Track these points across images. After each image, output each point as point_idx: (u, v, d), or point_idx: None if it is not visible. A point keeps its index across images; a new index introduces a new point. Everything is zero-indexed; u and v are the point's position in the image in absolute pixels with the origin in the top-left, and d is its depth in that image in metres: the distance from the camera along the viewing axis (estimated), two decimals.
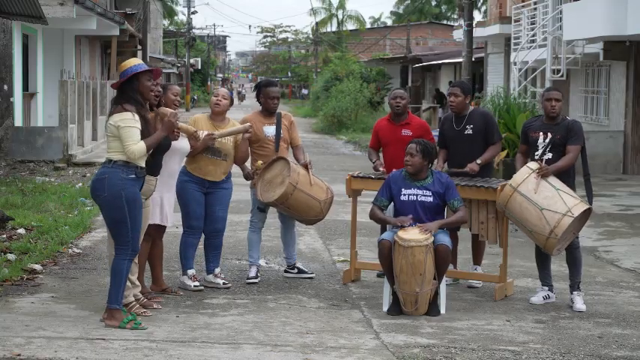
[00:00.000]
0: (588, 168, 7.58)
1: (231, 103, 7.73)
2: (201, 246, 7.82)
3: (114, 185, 6.17)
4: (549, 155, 7.40)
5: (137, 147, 6.17)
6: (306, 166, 7.91)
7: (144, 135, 6.26)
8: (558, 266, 9.16)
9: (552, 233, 7.09)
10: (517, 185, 7.22)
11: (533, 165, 7.35)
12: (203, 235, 7.73)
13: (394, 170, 7.55)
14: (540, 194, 7.15)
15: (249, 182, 8.15)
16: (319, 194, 7.88)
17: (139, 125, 6.21)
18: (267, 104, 8.00)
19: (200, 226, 7.61)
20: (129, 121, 6.18)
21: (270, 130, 7.99)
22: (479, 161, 7.93)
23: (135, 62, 6.37)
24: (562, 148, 7.40)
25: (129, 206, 6.20)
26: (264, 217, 8.15)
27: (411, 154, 7.22)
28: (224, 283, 7.71)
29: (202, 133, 7.44)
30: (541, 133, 7.50)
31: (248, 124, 7.77)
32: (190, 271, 7.61)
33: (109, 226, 6.33)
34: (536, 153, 7.49)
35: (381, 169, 8.20)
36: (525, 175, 7.26)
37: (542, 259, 7.62)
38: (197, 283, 7.60)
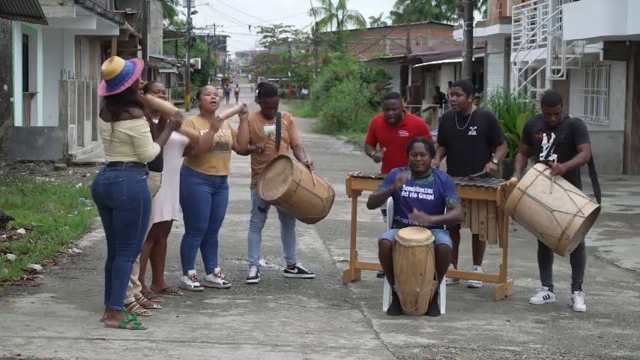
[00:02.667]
0: (594, 167, 7.53)
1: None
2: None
3: (133, 188, 6.17)
4: (554, 156, 7.34)
5: (155, 150, 6.24)
6: (307, 166, 7.92)
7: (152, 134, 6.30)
8: (558, 266, 9.15)
9: (564, 234, 7.06)
10: (525, 188, 7.17)
11: (539, 167, 7.28)
12: None
13: (396, 168, 7.54)
14: (549, 195, 7.11)
15: (248, 182, 8.15)
16: (322, 192, 7.91)
17: (148, 128, 6.26)
18: (266, 111, 8.03)
19: (205, 227, 7.62)
20: (143, 127, 6.18)
21: (270, 129, 8.01)
22: (496, 160, 7.94)
23: (121, 65, 6.18)
24: (567, 148, 7.32)
25: (144, 208, 6.23)
26: (264, 217, 8.15)
27: (422, 153, 7.22)
28: (224, 283, 7.72)
29: (203, 132, 7.48)
30: (544, 134, 7.42)
31: (243, 103, 7.91)
32: (191, 272, 7.62)
33: (120, 227, 6.26)
34: (540, 155, 7.42)
35: (379, 154, 8.15)
36: (533, 177, 7.20)
37: (544, 259, 7.60)
38: (197, 284, 7.60)
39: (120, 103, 6.19)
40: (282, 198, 7.69)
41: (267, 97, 8.01)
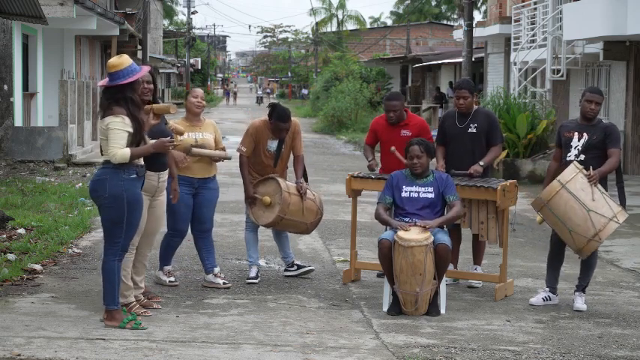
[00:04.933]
0: (622, 175, 7.44)
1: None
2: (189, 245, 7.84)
3: (115, 186, 6.14)
4: (582, 157, 7.25)
5: (121, 152, 6.09)
6: (299, 191, 7.89)
7: (137, 136, 6.19)
8: None
9: (596, 236, 7.01)
10: (565, 182, 7.08)
11: (579, 164, 7.20)
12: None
13: (395, 171, 7.54)
14: (588, 195, 7.04)
15: None
16: (308, 218, 7.94)
17: (129, 129, 6.13)
18: (276, 133, 7.89)
19: (186, 229, 7.66)
20: (118, 124, 6.10)
21: (273, 144, 7.96)
22: (482, 163, 7.89)
23: (128, 62, 6.25)
24: (597, 150, 7.25)
25: (129, 208, 6.18)
26: None
27: (418, 155, 7.22)
28: (224, 283, 7.72)
29: (186, 135, 7.50)
30: (576, 133, 7.32)
31: (229, 154, 7.78)
32: (167, 268, 7.72)
33: (104, 225, 6.29)
34: (568, 154, 7.33)
35: (376, 169, 8.17)
36: (573, 173, 7.11)
37: (556, 262, 7.49)
38: (172, 279, 7.68)
39: (114, 97, 6.18)
40: (267, 225, 7.86)
41: (279, 122, 7.82)
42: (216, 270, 7.80)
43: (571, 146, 7.34)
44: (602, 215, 7.01)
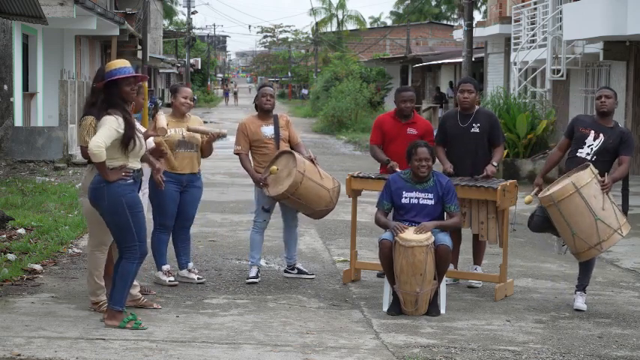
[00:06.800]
0: (628, 182, 7.44)
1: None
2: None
3: (113, 192, 6.14)
4: (593, 158, 7.23)
5: (99, 150, 5.96)
6: (311, 160, 7.93)
7: (128, 136, 6.16)
8: (558, 266, 9.17)
9: (598, 245, 6.99)
10: (580, 186, 7.00)
11: (595, 169, 7.15)
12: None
13: (393, 174, 7.51)
14: (599, 203, 7.00)
15: (248, 182, 8.16)
16: (327, 183, 7.92)
17: (120, 130, 6.13)
18: (261, 102, 8.08)
19: (172, 224, 7.75)
20: (113, 123, 6.10)
21: (268, 130, 8.02)
22: (495, 163, 7.91)
23: (119, 65, 6.29)
24: (609, 155, 7.24)
25: (130, 211, 6.18)
26: (268, 217, 8.14)
27: (426, 158, 7.17)
28: (198, 278, 7.82)
29: (172, 131, 7.59)
30: (592, 132, 7.30)
31: (225, 131, 7.90)
32: (165, 267, 7.74)
33: (114, 232, 6.28)
34: (580, 150, 7.30)
35: (397, 169, 7.92)
36: (589, 178, 7.05)
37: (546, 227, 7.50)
38: (172, 278, 7.70)
39: (105, 101, 6.21)
40: (288, 190, 7.68)
41: (260, 89, 8.16)
42: (190, 265, 7.87)
43: (585, 144, 7.30)
44: (608, 225, 6.97)
